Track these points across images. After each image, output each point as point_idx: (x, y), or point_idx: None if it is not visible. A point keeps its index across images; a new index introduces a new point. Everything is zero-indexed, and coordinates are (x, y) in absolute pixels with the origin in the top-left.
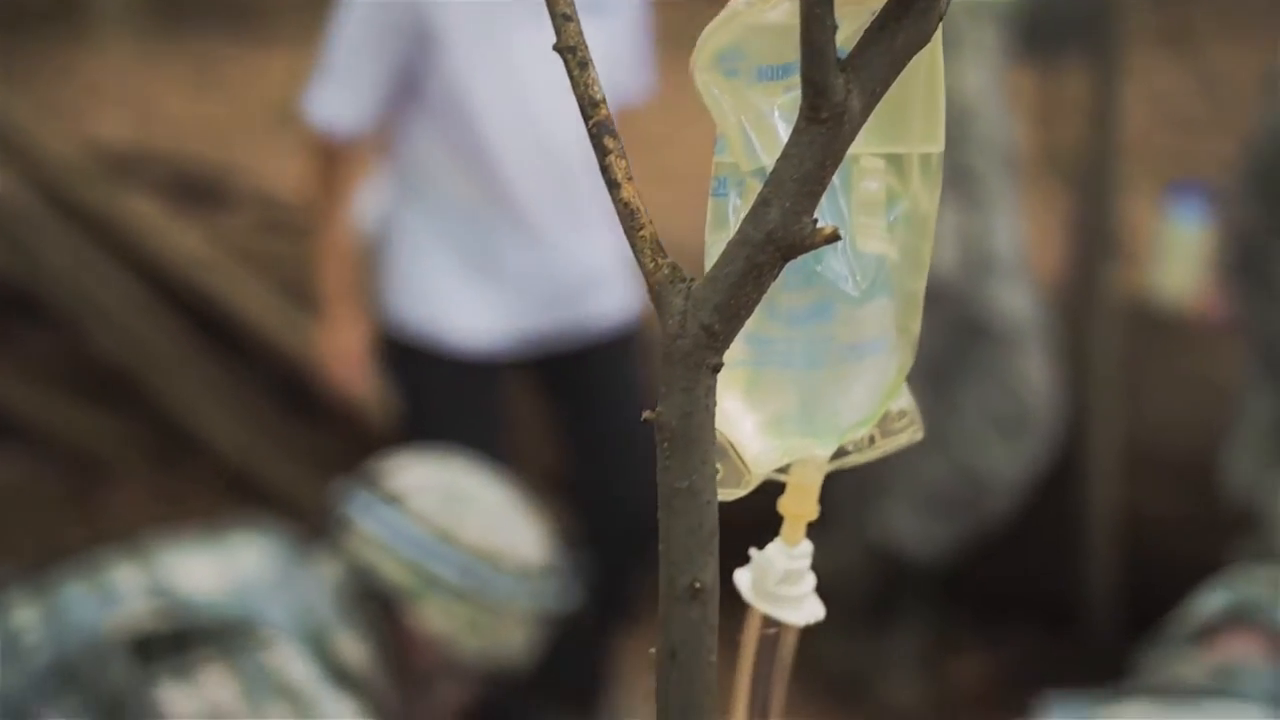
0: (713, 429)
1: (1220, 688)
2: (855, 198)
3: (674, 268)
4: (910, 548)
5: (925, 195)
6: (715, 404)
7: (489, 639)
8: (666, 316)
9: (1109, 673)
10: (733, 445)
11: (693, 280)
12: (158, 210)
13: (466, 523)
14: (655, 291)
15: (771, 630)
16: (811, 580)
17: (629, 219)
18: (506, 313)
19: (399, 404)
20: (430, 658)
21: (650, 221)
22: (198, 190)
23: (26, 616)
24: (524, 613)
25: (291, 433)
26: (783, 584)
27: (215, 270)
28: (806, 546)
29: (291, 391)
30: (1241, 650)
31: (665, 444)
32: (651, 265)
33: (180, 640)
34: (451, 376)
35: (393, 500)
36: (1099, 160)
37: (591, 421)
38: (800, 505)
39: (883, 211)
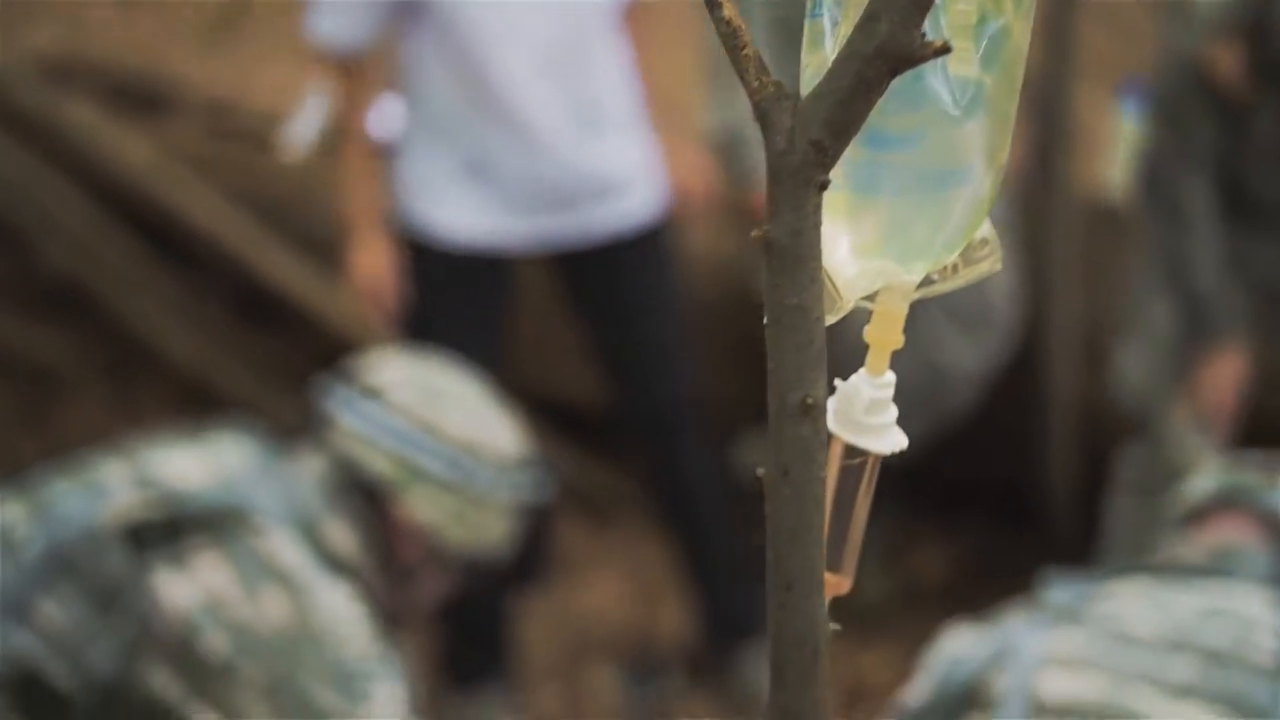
0: (819, 246)
1: (1217, 568)
2: (950, 20)
3: (778, 85)
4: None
5: (1019, 25)
6: (822, 222)
7: (473, 529)
8: (773, 134)
9: (1069, 562)
10: (826, 271)
11: (798, 98)
12: (102, 119)
13: (447, 416)
14: (760, 109)
15: (856, 461)
16: (894, 411)
17: (730, 38)
18: (502, 213)
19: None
20: (416, 549)
21: (750, 41)
22: (139, 99)
23: (14, 512)
24: (505, 503)
25: (247, 343)
26: (868, 413)
27: (166, 179)
28: (890, 377)
29: (246, 301)
30: (1234, 533)
31: (774, 262)
32: (756, 84)
33: (172, 530)
34: (444, 269)
35: (373, 395)
36: (1056, 56)
37: (614, 325)
38: (886, 333)
39: (973, 35)
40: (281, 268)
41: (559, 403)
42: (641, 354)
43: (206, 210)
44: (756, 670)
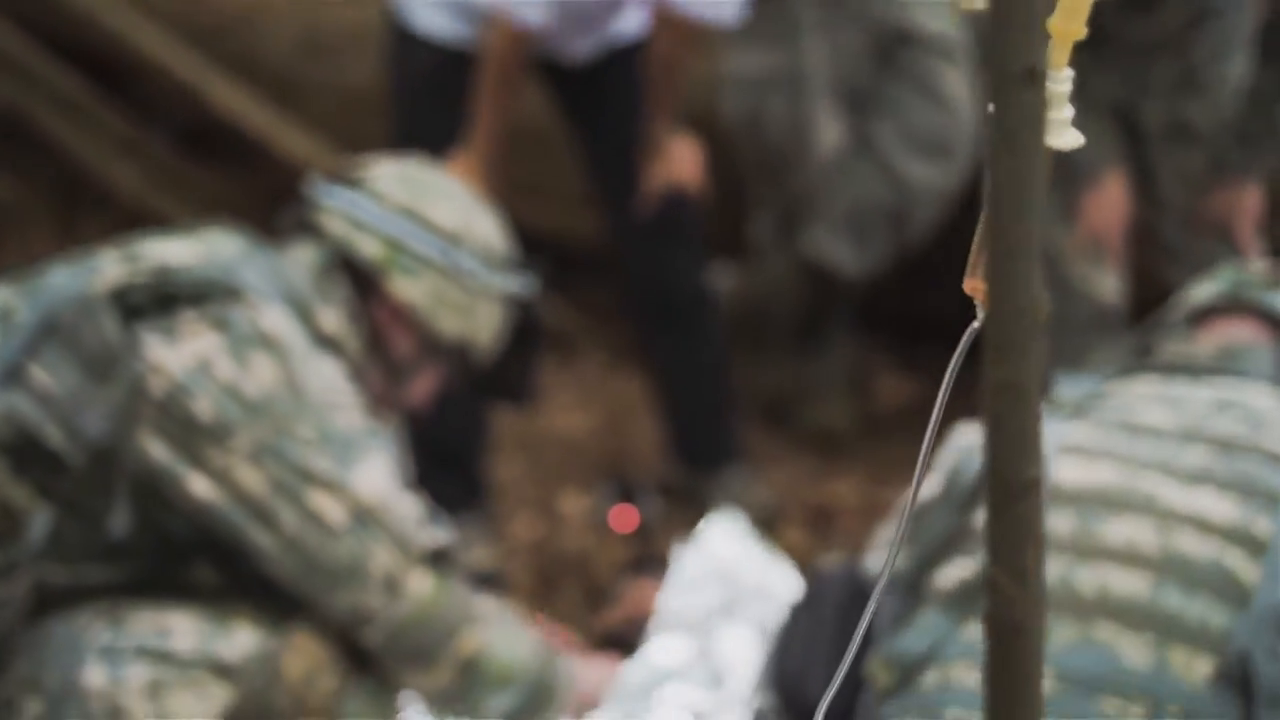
0: None
1: (1225, 366)
2: None
3: None
4: (840, 264)
5: None
6: None
7: (461, 316)
8: None
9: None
10: None
11: None
12: None
13: (434, 206)
14: None
15: None
16: (1070, 110)
17: None
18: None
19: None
20: (406, 340)
21: None
22: None
23: (6, 295)
24: (492, 294)
25: (194, 176)
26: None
27: (109, 9)
28: (1069, 72)
29: (193, 133)
30: (1240, 332)
31: None
32: None
33: (163, 302)
34: (425, 61)
35: (359, 185)
36: None
37: (607, 133)
38: (1069, 22)
39: None
40: (228, 98)
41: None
42: (633, 159)
43: (151, 40)
44: (732, 495)
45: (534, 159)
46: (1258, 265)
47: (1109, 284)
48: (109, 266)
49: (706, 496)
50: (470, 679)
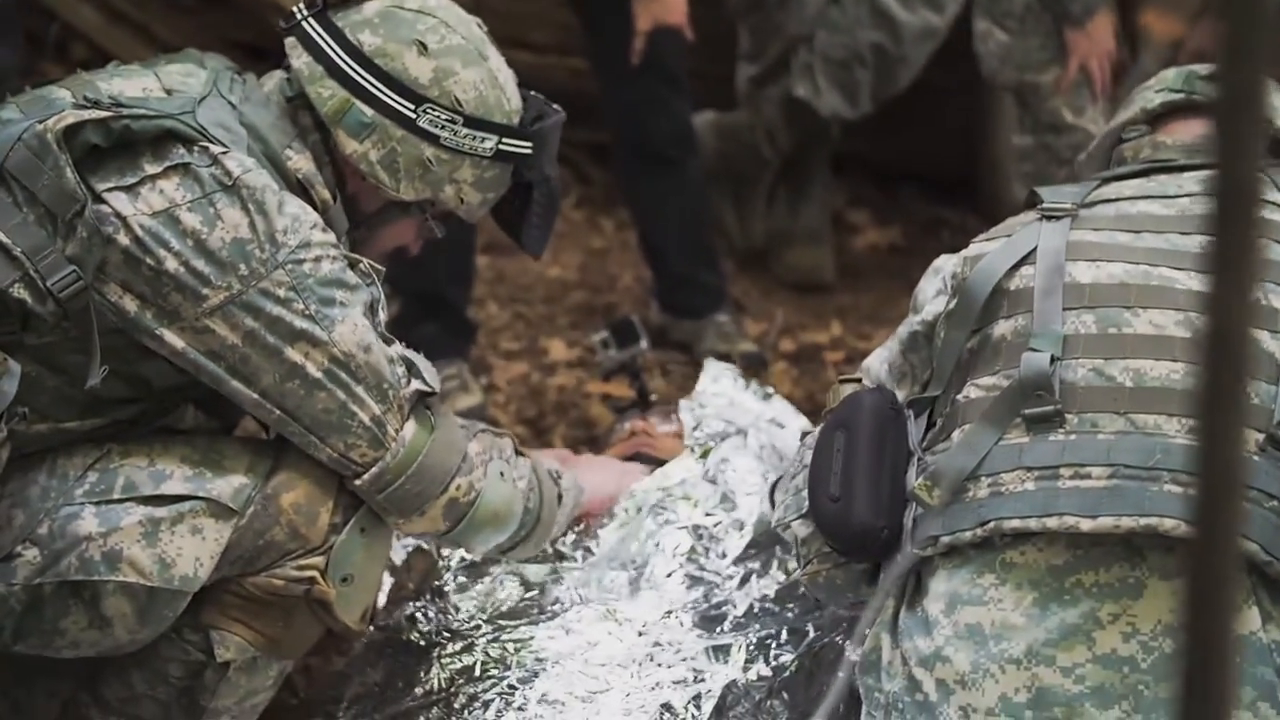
0: None
1: (1196, 162)
2: None
3: None
4: (829, 107)
5: None
6: None
7: (423, 178)
8: None
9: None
10: None
11: None
12: None
13: (405, 54)
14: None
15: None
16: None
17: None
18: None
19: None
20: (370, 192)
21: None
22: None
23: None
24: (475, 151)
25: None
26: None
27: None
28: None
29: None
30: (1199, 130)
31: None
32: None
33: (123, 146)
34: None
35: (344, 18)
36: None
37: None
38: None
39: None
40: None
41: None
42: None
43: None
44: (718, 342)
45: (513, 9)
46: (1205, 65)
47: (1097, 116)
48: (63, 103)
49: (693, 343)
50: (461, 522)
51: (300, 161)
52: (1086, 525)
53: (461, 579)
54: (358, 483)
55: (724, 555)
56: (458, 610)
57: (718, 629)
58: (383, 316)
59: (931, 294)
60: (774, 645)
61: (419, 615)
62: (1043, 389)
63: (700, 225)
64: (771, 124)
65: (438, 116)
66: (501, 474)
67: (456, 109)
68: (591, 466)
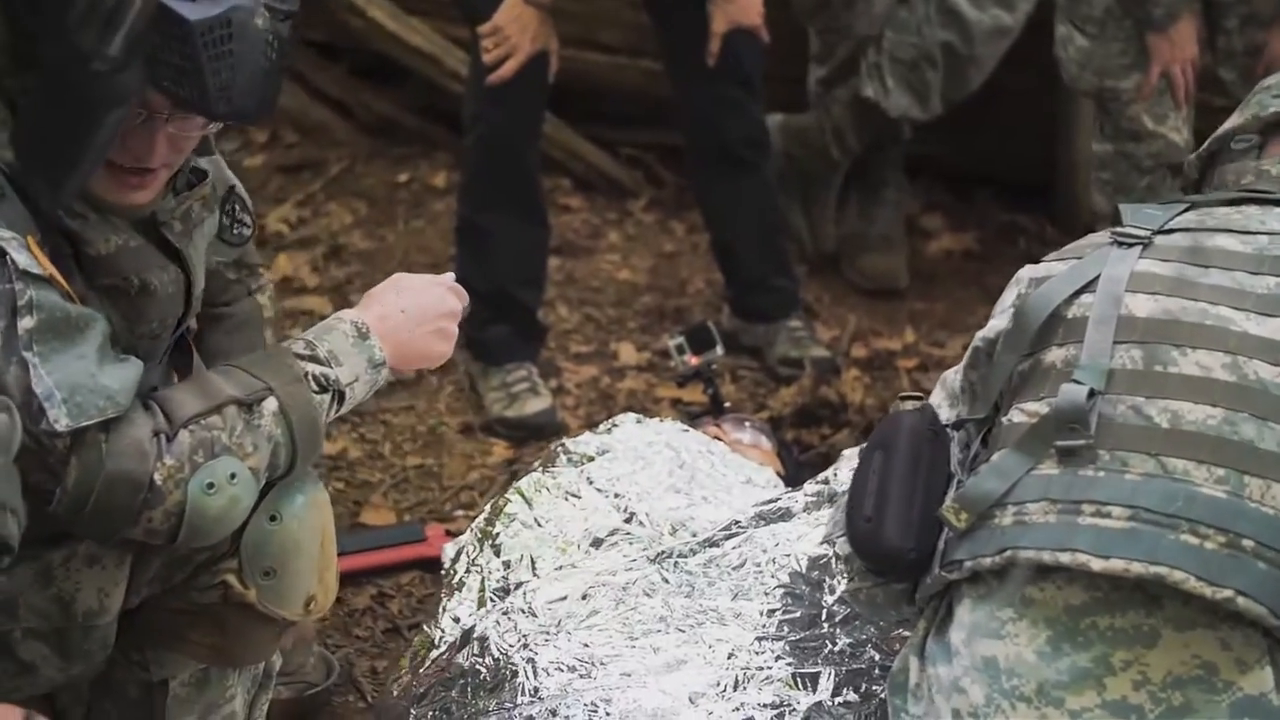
0: None
1: None
2: None
3: None
4: (899, 108)
5: None
6: None
7: None
8: None
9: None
10: None
11: None
12: None
13: None
14: None
15: None
16: None
17: None
18: None
19: None
20: None
21: None
22: None
23: None
24: None
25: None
26: None
27: None
28: None
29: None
30: None
31: None
32: None
33: None
34: None
35: None
36: None
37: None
38: None
39: None
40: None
41: (574, 85)
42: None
43: None
44: (789, 348)
45: (585, 10)
46: None
47: (1179, 124)
48: None
49: (765, 349)
50: (178, 537)
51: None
52: (1097, 565)
53: (545, 586)
54: (51, 508)
55: (833, 590)
56: (537, 618)
57: (811, 661)
58: (30, 322)
59: (1000, 310)
60: (866, 680)
61: (499, 621)
62: (1078, 422)
63: (773, 229)
64: (840, 125)
65: None
66: (210, 485)
67: None
68: (396, 333)
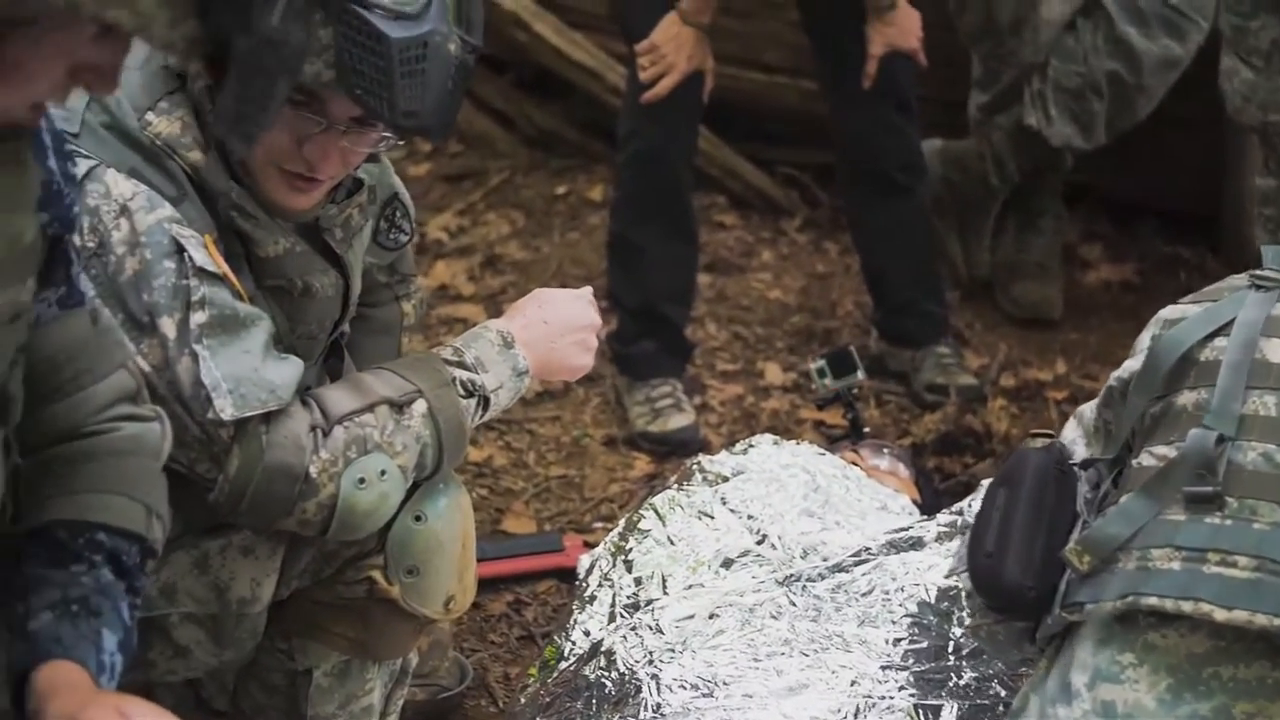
0: None
1: None
2: None
3: None
4: (1061, 137)
5: None
6: None
7: None
8: None
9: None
10: None
11: None
12: None
13: None
14: None
15: None
16: None
17: None
18: None
19: None
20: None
21: None
22: None
23: None
24: None
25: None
26: None
27: None
28: None
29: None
30: None
31: None
32: None
33: None
34: None
35: None
36: None
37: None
38: None
39: None
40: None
41: (729, 103)
42: (855, 23)
43: None
44: (935, 374)
45: (747, 30)
46: None
47: None
48: None
49: (911, 374)
50: (329, 529)
51: (162, 124)
52: (1221, 615)
53: (674, 604)
54: (212, 497)
55: (961, 623)
56: (664, 635)
57: (935, 693)
58: (202, 317)
59: (1136, 349)
60: (990, 716)
61: (626, 636)
62: (1206, 468)
63: (925, 254)
64: (1000, 153)
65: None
66: (361, 480)
67: None
68: (539, 343)
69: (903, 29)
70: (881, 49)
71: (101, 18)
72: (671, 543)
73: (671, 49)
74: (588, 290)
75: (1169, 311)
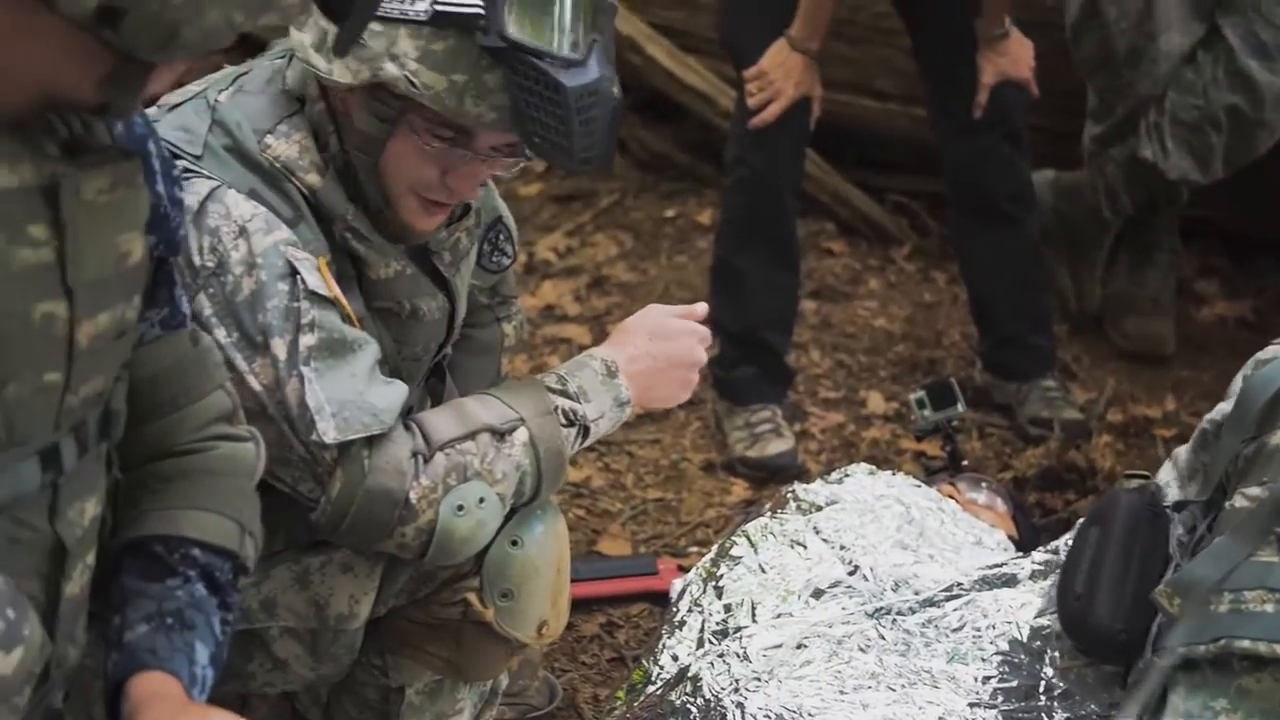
0: None
1: None
2: None
3: None
4: (1178, 170)
5: None
6: None
7: (353, 55)
8: None
9: None
10: None
11: None
12: None
13: None
14: None
15: None
16: None
17: None
18: None
19: None
20: (356, 109)
21: None
22: None
23: None
24: (386, 19)
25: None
26: None
27: None
28: None
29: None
30: None
31: None
32: None
33: None
34: None
35: None
36: None
37: (934, 23)
38: None
39: None
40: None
41: (840, 130)
42: (965, 52)
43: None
44: (1040, 408)
45: (860, 56)
46: None
47: None
48: None
49: (1016, 407)
50: (426, 554)
51: (281, 147)
52: None
53: (762, 632)
54: (313, 516)
55: (1054, 663)
56: (751, 663)
57: None
58: (310, 340)
59: (1231, 391)
60: None
61: (714, 663)
62: None
63: (1032, 286)
64: (1114, 185)
65: None
66: (460, 508)
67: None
68: (643, 376)
69: (1014, 58)
70: (993, 78)
71: (255, 25)
72: (763, 570)
73: (780, 75)
74: (701, 308)
75: (1264, 352)
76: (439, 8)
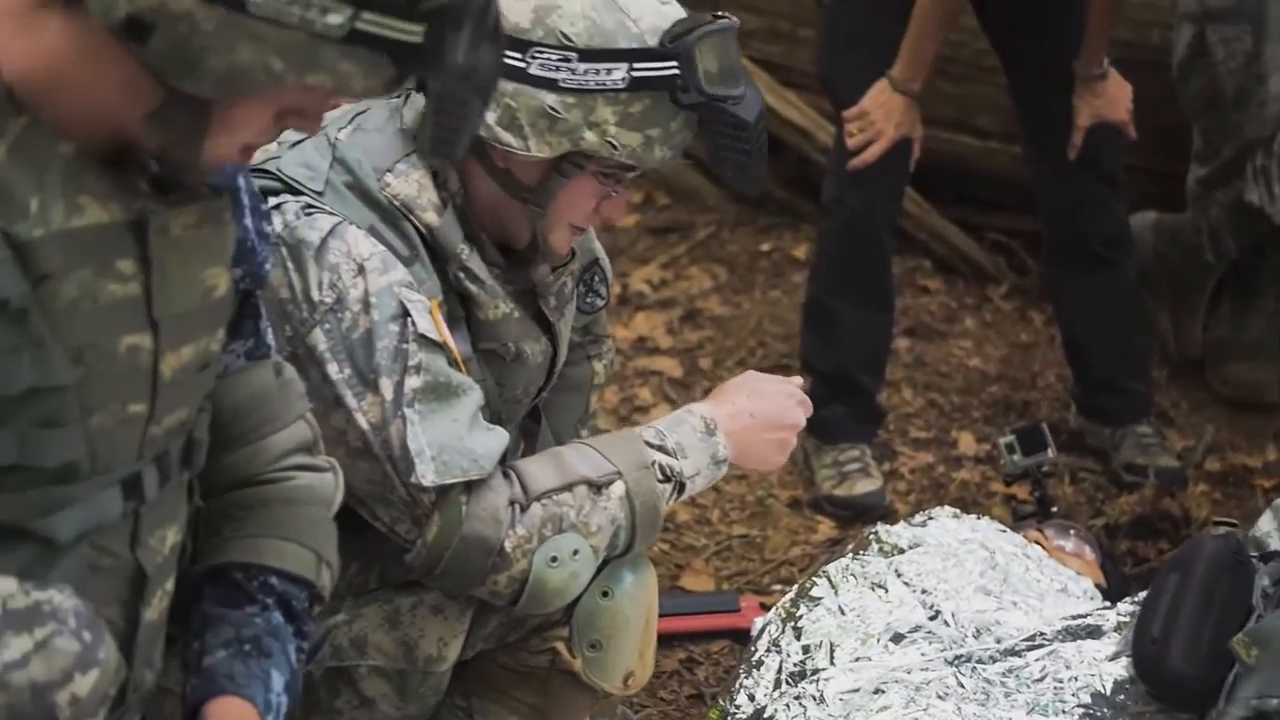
0: None
1: None
2: None
3: None
4: None
5: None
6: None
7: (550, 130)
8: None
9: None
10: None
11: None
12: None
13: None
14: None
15: None
16: None
17: None
18: None
19: None
20: (524, 166)
21: None
22: None
23: None
24: (583, 90)
25: None
26: None
27: None
28: None
29: None
30: None
31: None
32: None
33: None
34: None
35: None
36: None
37: (1031, 62)
38: None
39: None
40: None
41: (941, 167)
42: (1062, 92)
43: None
44: (1137, 456)
45: (961, 93)
46: None
47: None
48: None
49: (1110, 452)
50: (519, 602)
51: (400, 185)
52: None
53: (840, 676)
54: (409, 558)
55: (1127, 710)
56: (827, 706)
57: None
58: (416, 382)
59: None
60: None
61: (789, 705)
62: None
63: (1129, 330)
64: (1218, 228)
65: (549, 59)
66: (554, 559)
67: (566, 45)
68: (741, 434)
69: (1111, 100)
70: (1089, 120)
71: (304, 83)
72: (842, 612)
73: (880, 115)
74: (798, 381)
75: None
76: (636, 74)
